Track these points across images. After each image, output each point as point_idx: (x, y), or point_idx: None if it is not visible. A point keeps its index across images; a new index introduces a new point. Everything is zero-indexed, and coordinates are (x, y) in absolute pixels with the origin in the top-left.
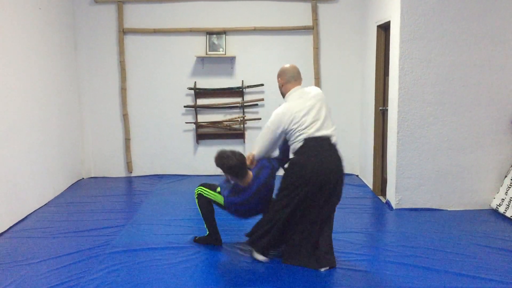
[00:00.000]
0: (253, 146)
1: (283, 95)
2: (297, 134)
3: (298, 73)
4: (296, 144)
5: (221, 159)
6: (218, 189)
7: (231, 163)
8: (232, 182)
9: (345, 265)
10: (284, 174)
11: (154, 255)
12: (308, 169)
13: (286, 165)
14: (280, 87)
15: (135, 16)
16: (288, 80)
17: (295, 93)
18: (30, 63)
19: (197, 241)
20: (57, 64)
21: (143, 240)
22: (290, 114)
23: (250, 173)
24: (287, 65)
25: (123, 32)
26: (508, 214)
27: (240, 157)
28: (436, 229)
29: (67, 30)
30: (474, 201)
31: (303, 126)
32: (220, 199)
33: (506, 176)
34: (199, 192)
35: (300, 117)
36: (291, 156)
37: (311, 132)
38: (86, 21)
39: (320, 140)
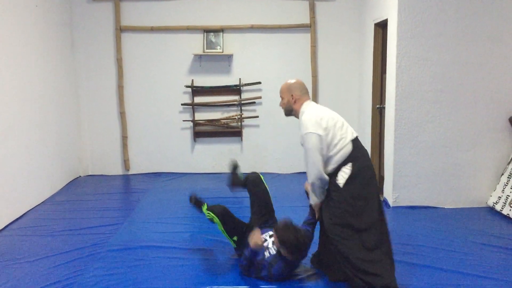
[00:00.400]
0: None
1: (295, 111)
2: (340, 137)
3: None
4: (345, 149)
5: (295, 233)
6: (235, 237)
7: (305, 241)
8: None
9: None
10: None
11: (151, 253)
12: (371, 170)
13: (341, 178)
14: (292, 103)
15: (132, 13)
16: (302, 94)
17: (311, 103)
18: (27, 61)
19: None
20: (54, 62)
21: (140, 238)
22: (327, 118)
23: None
24: (293, 81)
25: (120, 29)
26: (504, 211)
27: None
28: (433, 227)
29: (64, 28)
30: (471, 199)
31: (344, 129)
32: (231, 241)
33: (503, 174)
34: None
35: (336, 118)
36: (333, 167)
37: (352, 132)
38: (83, 19)
39: (358, 140)
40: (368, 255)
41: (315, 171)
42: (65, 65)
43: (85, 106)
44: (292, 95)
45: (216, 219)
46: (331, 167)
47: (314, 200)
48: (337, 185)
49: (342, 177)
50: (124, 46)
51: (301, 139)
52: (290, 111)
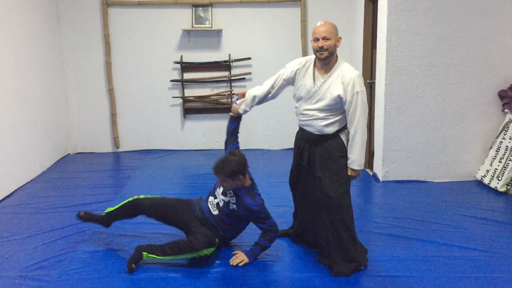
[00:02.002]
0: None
1: (333, 58)
2: None
3: None
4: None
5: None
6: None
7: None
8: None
9: None
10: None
11: (142, 230)
12: None
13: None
14: (336, 47)
15: None
16: None
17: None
18: (11, 37)
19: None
20: (39, 38)
21: None
22: None
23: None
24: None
25: (106, 4)
26: (492, 185)
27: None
28: (422, 201)
29: (49, 2)
30: (460, 172)
31: None
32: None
33: (491, 148)
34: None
35: None
36: (332, 130)
37: None
38: None
39: None
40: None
41: (365, 128)
42: (51, 41)
43: (72, 83)
44: (339, 39)
45: (163, 257)
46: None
47: (360, 160)
48: (344, 148)
49: (345, 141)
50: (111, 21)
51: (349, 93)
52: (331, 55)
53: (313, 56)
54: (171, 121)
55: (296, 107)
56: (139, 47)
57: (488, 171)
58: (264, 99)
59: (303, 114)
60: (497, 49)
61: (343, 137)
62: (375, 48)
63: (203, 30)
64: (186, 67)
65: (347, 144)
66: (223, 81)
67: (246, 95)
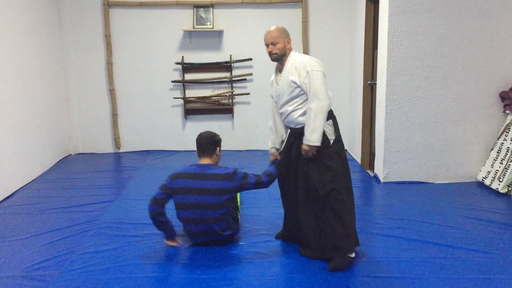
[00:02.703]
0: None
1: (285, 56)
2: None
3: None
4: (330, 101)
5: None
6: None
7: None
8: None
9: None
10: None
11: (143, 230)
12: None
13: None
14: (287, 48)
15: None
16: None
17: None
18: (13, 37)
19: None
20: (41, 38)
21: (132, 216)
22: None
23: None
24: (276, 26)
25: (108, 5)
26: (493, 186)
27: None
28: (423, 202)
29: (51, 3)
30: (461, 173)
31: None
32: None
33: (492, 149)
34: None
35: None
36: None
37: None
38: None
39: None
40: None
41: (328, 100)
42: (53, 42)
43: (74, 84)
44: (288, 40)
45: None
46: None
47: (316, 138)
48: (327, 140)
49: (328, 132)
50: (113, 22)
51: (302, 74)
52: (282, 56)
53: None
54: (172, 122)
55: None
56: (141, 47)
57: (489, 172)
58: (278, 121)
59: (281, 114)
60: (498, 50)
61: (324, 128)
62: (376, 49)
63: (204, 30)
64: (187, 67)
65: (331, 133)
66: (224, 82)
67: (270, 133)
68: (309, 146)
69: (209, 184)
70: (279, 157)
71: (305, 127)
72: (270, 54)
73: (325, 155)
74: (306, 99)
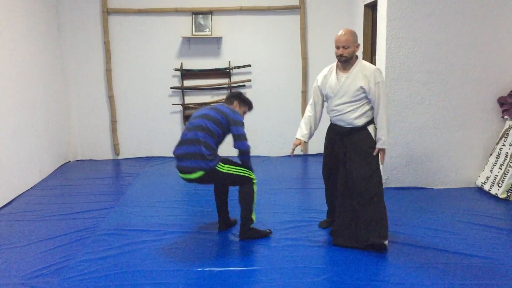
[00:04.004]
0: (387, 108)
1: (353, 59)
2: None
3: None
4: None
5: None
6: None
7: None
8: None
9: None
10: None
11: (142, 237)
12: None
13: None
14: (355, 52)
15: None
16: None
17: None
18: (12, 44)
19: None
20: (41, 45)
21: (131, 222)
22: None
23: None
24: (346, 30)
25: (107, 12)
26: (493, 191)
27: None
28: (423, 207)
29: (50, 10)
30: (460, 179)
31: None
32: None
33: (491, 154)
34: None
35: None
36: (362, 122)
37: None
38: (69, 1)
39: None
40: None
41: (388, 113)
42: (52, 49)
43: (73, 91)
44: (357, 45)
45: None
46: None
47: (387, 141)
48: (373, 142)
49: (374, 135)
50: (112, 29)
51: (372, 83)
52: (350, 59)
53: (334, 64)
54: (171, 128)
55: (326, 108)
56: (139, 54)
57: (489, 177)
58: (317, 114)
59: (333, 110)
60: (496, 55)
61: (370, 129)
62: (375, 55)
63: (203, 37)
64: (186, 74)
65: (374, 136)
66: (223, 88)
67: (302, 123)
68: (382, 150)
69: (212, 113)
70: (302, 148)
71: (380, 133)
72: (340, 56)
73: (370, 154)
74: (365, 104)
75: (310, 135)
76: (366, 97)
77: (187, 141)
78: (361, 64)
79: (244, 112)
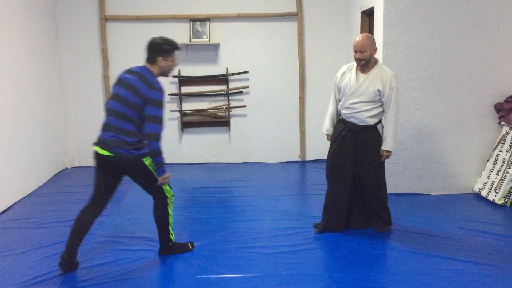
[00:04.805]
0: (398, 111)
1: (370, 63)
2: None
3: None
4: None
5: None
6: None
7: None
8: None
9: (332, 246)
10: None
11: (140, 244)
12: None
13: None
14: (373, 56)
15: (117, 2)
16: None
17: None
18: (10, 51)
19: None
20: (38, 52)
21: (128, 229)
22: None
23: None
24: (364, 35)
25: (104, 19)
26: (490, 197)
27: None
28: (420, 214)
29: (48, 17)
30: (457, 185)
31: None
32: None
33: (488, 160)
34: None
35: None
36: (373, 122)
37: None
38: (67, 8)
39: None
40: None
41: (398, 117)
42: (49, 56)
43: (70, 97)
44: (374, 49)
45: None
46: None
47: (395, 145)
48: (381, 139)
49: (381, 131)
50: (109, 36)
51: (387, 87)
52: (368, 62)
53: (354, 63)
54: (169, 135)
55: (340, 104)
56: (137, 61)
57: (486, 183)
58: (336, 110)
59: (348, 108)
60: (492, 62)
61: (379, 128)
62: None
63: (201, 44)
64: (184, 81)
65: (382, 135)
66: (221, 94)
67: (327, 118)
68: (388, 151)
69: (132, 80)
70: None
71: (386, 134)
72: (359, 60)
73: (379, 152)
74: (379, 105)
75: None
76: (381, 100)
77: (110, 111)
78: (380, 67)
79: (173, 61)
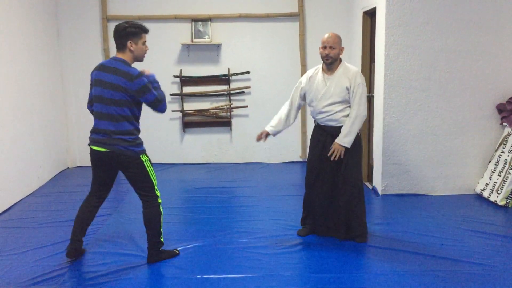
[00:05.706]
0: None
1: (336, 62)
2: None
3: None
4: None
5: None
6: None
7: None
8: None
9: (333, 249)
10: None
11: (140, 245)
12: None
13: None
14: (340, 54)
15: (119, 2)
16: None
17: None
18: (12, 51)
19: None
20: (40, 52)
21: (129, 229)
22: None
23: None
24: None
25: (106, 19)
26: (492, 198)
27: None
28: (422, 214)
29: (50, 17)
30: (459, 186)
31: None
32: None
33: (490, 161)
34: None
35: None
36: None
37: None
38: (68, 8)
39: None
40: None
41: (366, 111)
42: (51, 55)
43: (72, 97)
44: (342, 49)
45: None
46: None
47: (350, 141)
48: (360, 140)
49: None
50: (111, 35)
51: (353, 84)
52: (335, 61)
53: (319, 66)
54: (170, 135)
55: (312, 110)
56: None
57: (488, 184)
58: (288, 114)
59: (322, 112)
60: (494, 63)
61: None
62: (373, 62)
63: (203, 44)
64: (186, 81)
65: (360, 135)
66: (222, 95)
67: (276, 118)
68: (341, 146)
69: (109, 78)
70: (263, 140)
71: (342, 129)
72: (327, 56)
73: (359, 156)
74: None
75: (277, 131)
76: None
77: (98, 114)
78: (345, 66)
79: (144, 44)
